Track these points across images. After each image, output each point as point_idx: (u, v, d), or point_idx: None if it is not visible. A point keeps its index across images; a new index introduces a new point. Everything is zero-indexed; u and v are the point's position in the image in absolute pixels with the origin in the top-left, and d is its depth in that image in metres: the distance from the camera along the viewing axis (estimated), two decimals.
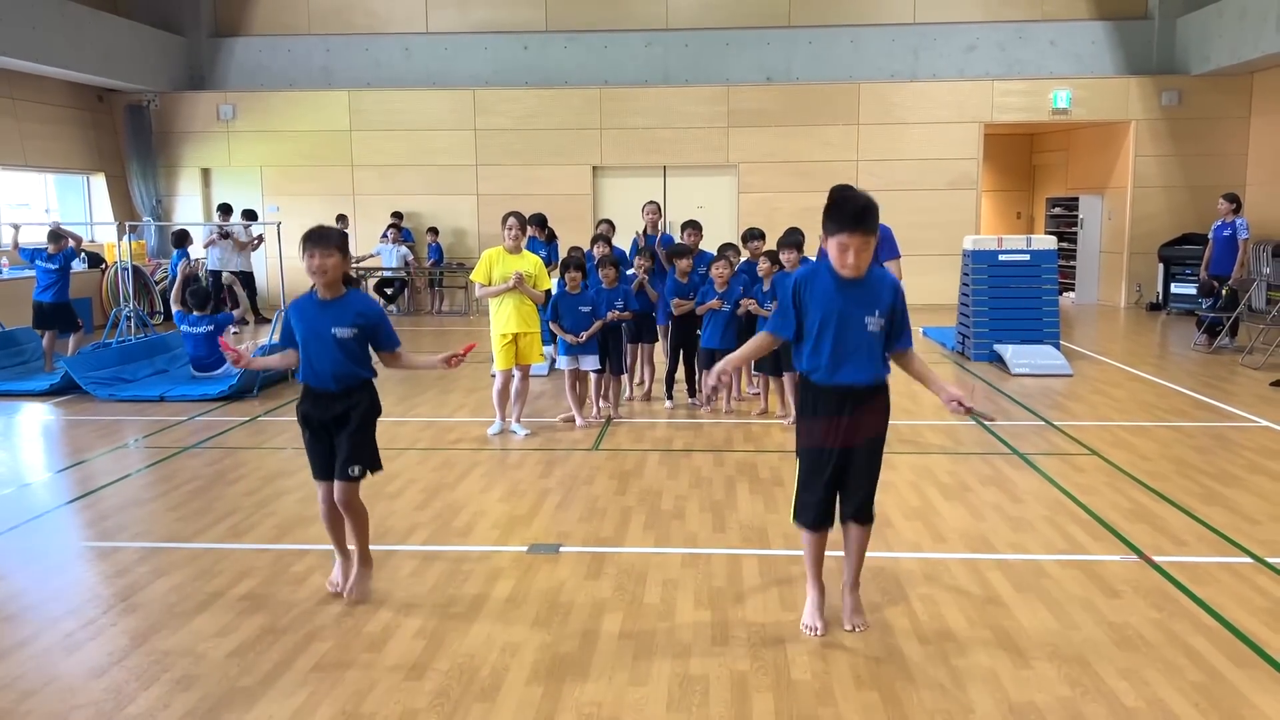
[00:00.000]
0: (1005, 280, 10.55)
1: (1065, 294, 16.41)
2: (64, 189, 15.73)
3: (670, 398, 8.36)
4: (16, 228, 11.30)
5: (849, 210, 3.67)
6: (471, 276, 7.58)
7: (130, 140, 15.96)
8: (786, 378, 7.46)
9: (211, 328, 8.97)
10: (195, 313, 9.09)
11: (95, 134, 15.77)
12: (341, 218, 15.63)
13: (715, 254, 8.15)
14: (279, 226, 11.90)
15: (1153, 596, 4.22)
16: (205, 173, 16.48)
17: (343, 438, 4.09)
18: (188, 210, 16.36)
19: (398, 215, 15.79)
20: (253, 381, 8.79)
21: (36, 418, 8.28)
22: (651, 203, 9.66)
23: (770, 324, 3.97)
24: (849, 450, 3.81)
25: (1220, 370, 9.84)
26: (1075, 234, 16.98)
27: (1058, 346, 10.26)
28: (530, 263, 7.13)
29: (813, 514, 3.87)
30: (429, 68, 16.27)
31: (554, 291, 7.72)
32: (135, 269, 13.46)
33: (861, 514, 3.87)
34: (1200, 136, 15.24)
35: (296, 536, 5.09)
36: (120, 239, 12.43)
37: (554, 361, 8.92)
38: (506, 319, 7.11)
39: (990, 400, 8.51)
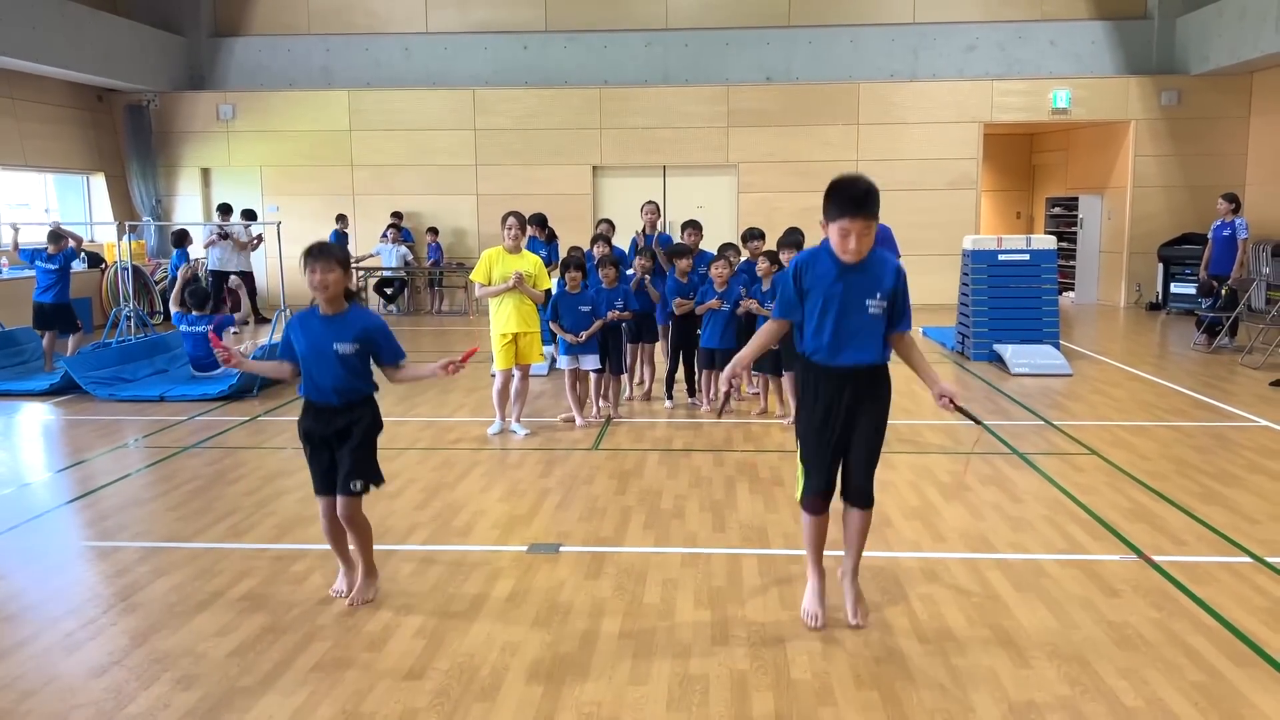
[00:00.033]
0: (1005, 280, 10.56)
1: (1065, 294, 16.42)
2: (64, 189, 15.73)
3: (670, 398, 8.36)
4: (16, 228, 11.30)
5: (850, 195, 3.66)
6: (471, 276, 7.58)
7: (130, 140, 15.97)
8: (786, 377, 7.46)
9: (211, 328, 8.97)
10: (195, 312, 9.09)
11: (95, 134, 15.77)
12: (341, 218, 15.66)
13: (715, 254, 8.15)
14: (279, 226, 11.90)
15: (1152, 596, 4.22)
16: (205, 173, 16.48)
17: (344, 453, 4.08)
18: (187, 210, 16.36)
19: (397, 215, 15.79)
20: (253, 381, 8.79)
21: (36, 418, 8.28)
22: (650, 203, 9.66)
23: (775, 310, 3.98)
24: (850, 433, 3.82)
25: (1220, 370, 9.85)
26: (1075, 234, 16.99)
27: (1057, 346, 10.26)
28: (530, 262, 7.13)
29: (816, 498, 3.88)
30: (429, 68, 16.28)
31: (554, 291, 7.72)
32: (135, 269, 13.46)
33: (862, 498, 3.87)
34: (1200, 136, 15.25)
35: (296, 536, 5.10)
36: (120, 239, 12.43)
37: (554, 361, 8.93)
38: (506, 319, 7.11)
39: (991, 400, 8.52)
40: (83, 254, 12.30)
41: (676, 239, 9.05)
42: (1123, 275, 15.89)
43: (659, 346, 8.71)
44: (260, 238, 14.55)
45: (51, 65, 13.23)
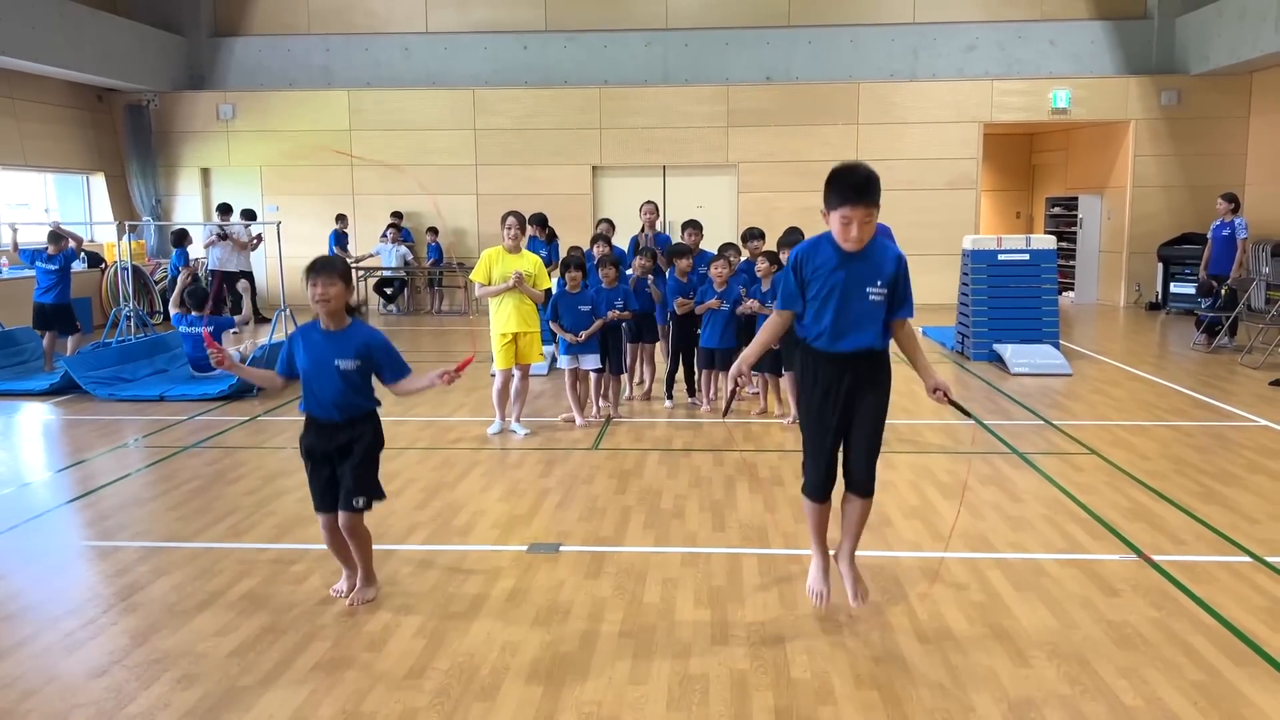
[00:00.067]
0: (1004, 280, 10.56)
1: (1064, 293, 16.42)
2: (63, 189, 15.73)
3: (670, 397, 8.37)
4: (15, 228, 11.29)
5: (851, 182, 3.65)
6: (471, 276, 7.58)
7: (130, 140, 15.97)
8: (786, 377, 7.47)
9: (210, 329, 8.96)
10: (194, 313, 9.09)
11: (95, 134, 15.78)
12: (341, 217, 15.66)
13: (715, 254, 8.15)
14: (278, 226, 11.91)
15: (1152, 595, 4.22)
16: (205, 172, 16.48)
17: (346, 469, 4.07)
18: (187, 210, 16.36)
19: (397, 215, 15.79)
20: (252, 382, 8.78)
21: (36, 417, 8.28)
22: (649, 202, 9.65)
23: (778, 302, 3.98)
24: (850, 418, 3.82)
25: (1219, 370, 9.85)
26: (1074, 234, 16.99)
27: (1057, 346, 10.26)
28: (530, 262, 7.13)
29: (816, 485, 3.89)
30: (428, 67, 16.28)
31: (554, 291, 7.72)
32: (135, 269, 13.46)
33: (863, 486, 3.88)
34: (1199, 136, 15.25)
35: (296, 536, 5.10)
36: (120, 239, 12.44)
37: (554, 361, 8.93)
38: (506, 318, 7.11)
39: (991, 400, 8.52)
40: (82, 254, 12.30)
41: (676, 239, 9.06)
42: (1122, 275, 15.89)
43: (659, 346, 8.71)
44: (260, 237, 14.56)
45: (51, 65, 13.23)
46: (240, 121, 16.16)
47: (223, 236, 13.96)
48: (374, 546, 4.38)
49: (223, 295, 13.58)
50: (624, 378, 8.35)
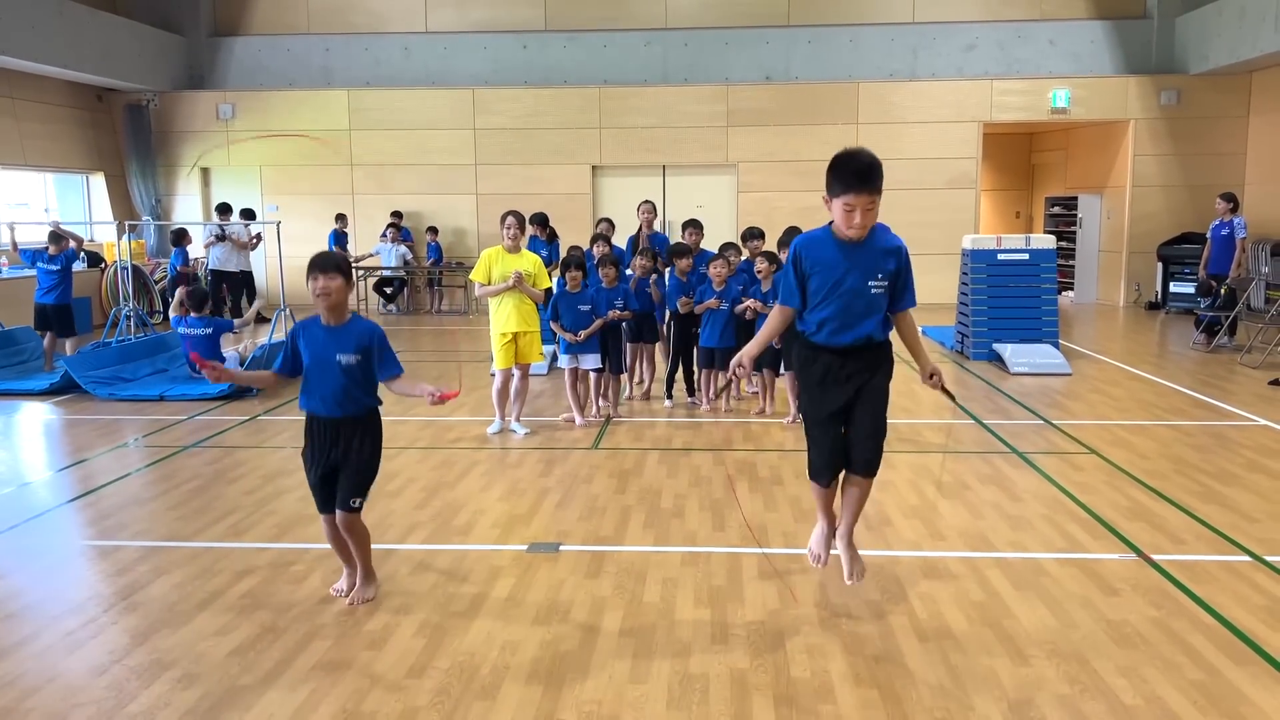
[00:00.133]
0: (1004, 279, 10.57)
1: (1064, 293, 16.42)
2: (63, 188, 15.74)
3: (670, 397, 8.37)
4: (12, 227, 11.28)
5: (853, 169, 3.61)
6: (471, 276, 7.58)
7: (129, 140, 15.97)
8: (786, 377, 7.47)
9: (210, 330, 8.97)
10: (193, 314, 9.08)
11: (94, 133, 15.78)
12: (341, 217, 15.66)
13: (715, 253, 8.16)
14: (278, 226, 11.91)
15: (1151, 595, 4.22)
16: (204, 172, 16.48)
17: (347, 471, 4.07)
18: (187, 210, 16.36)
19: (397, 215, 15.79)
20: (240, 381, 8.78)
21: (36, 417, 8.28)
22: (646, 202, 9.64)
23: (780, 296, 3.98)
24: (853, 403, 3.82)
25: (1219, 369, 9.85)
26: (1074, 233, 16.99)
27: (1057, 345, 10.27)
28: (529, 261, 7.13)
29: (823, 472, 3.90)
30: (428, 67, 16.28)
31: (554, 291, 7.73)
32: (135, 268, 13.46)
33: (867, 467, 3.87)
34: (1199, 136, 15.26)
35: (296, 535, 5.10)
36: (120, 238, 12.44)
37: (554, 360, 8.93)
38: (506, 318, 7.11)
39: (990, 399, 8.52)
40: (82, 254, 12.31)
41: (676, 239, 9.06)
42: (1122, 275, 15.89)
43: (659, 346, 8.71)
44: (259, 237, 14.56)
45: (51, 65, 13.23)
46: (240, 121, 16.16)
47: (221, 237, 13.95)
48: (374, 546, 4.38)
49: (221, 296, 13.60)
50: (624, 377, 8.35)
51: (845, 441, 3.91)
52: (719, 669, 3.59)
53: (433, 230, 15.88)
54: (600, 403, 7.87)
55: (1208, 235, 11.87)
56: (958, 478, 6.06)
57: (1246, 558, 4.67)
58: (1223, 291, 11.22)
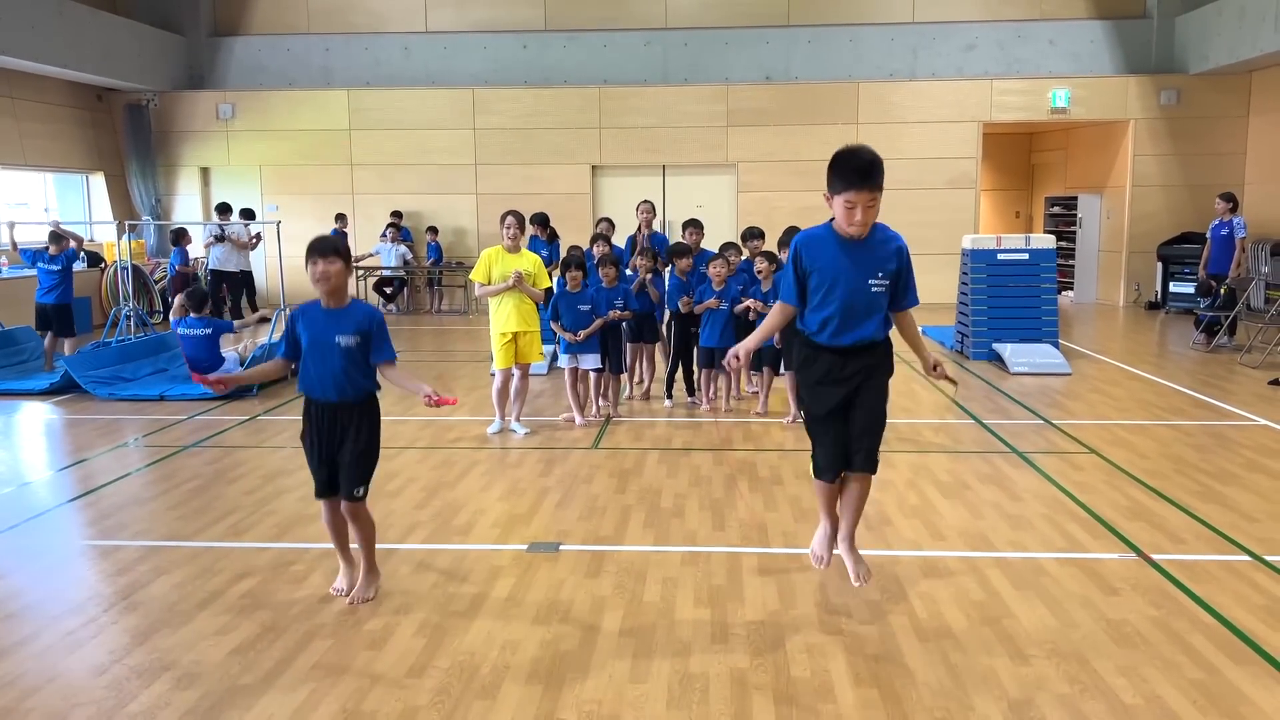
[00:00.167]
0: (1004, 279, 10.57)
1: (1064, 293, 16.42)
2: (63, 188, 15.74)
3: (670, 397, 8.37)
4: (11, 226, 11.28)
5: (855, 166, 3.61)
6: (471, 276, 7.58)
7: (129, 139, 15.97)
8: (786, 376, 7.47)
9: (209, 330, 8.96)
10: (192, 315, 9.07)
11: (94, 133, 15.78)
12: (341, 217, 15.65)
13: (715, 253, 8.16)
14: (278, 226, 11.91)
15: (1151, 594, 4.23)
16: (204, 172, 16.49)
17: (347, 457, 4.07)
18: (187, 209, 16.36)
19: (397, 214, 15.79)
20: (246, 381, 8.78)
21: (36, 417, 8.29)
22: (645, 201, 9.64)
23: (781, 293, 3.98)
24: (853, 404, 3.82)
25: (1218, 369, 9.85)
26: (1074, 233, 16.99)
27: (1056, 345, 10.27)
28: (529, 261, 7.13)
29: (827, 470, 3.90)
30: (428, 67, 16.28)
31: (554, 290, 7.73)
32: (135, 268, 13.46)
33: (866, 463, 3.87)
34: (1199, 135, 15.26)
35: (296, 535, 5.10)
36: (119, 238, 12.44)
37: (554, 360, 8.93)
38: (506, 318, 7.11)
39: (990, 399, 8.52)
40: (82, 254, 12.30)
41: (676, 239, 9.06)
42: (1122, 274, 15.90)
43: (659, 346, 8.71)
44: (259, 236, 14.56)
45: (51, 65, 13.23)
46: (239, 121, 16.16)
47: (221, 238, 13.95)
48: (375, 546, 4.38)
49: (221, 296, 13.60)
50: (624, 377, 8.35)
51: (846, 437, 3.91)
52: (719, 668, 3.59)
53: (433, 230, 15.88)
54: (600, 402, 7.87)
55: (1207, 235, 11.87)
56: (957, 478, 6.06)
57: (1246, 557, 4.67)
58: (1222, 291, 11.23)
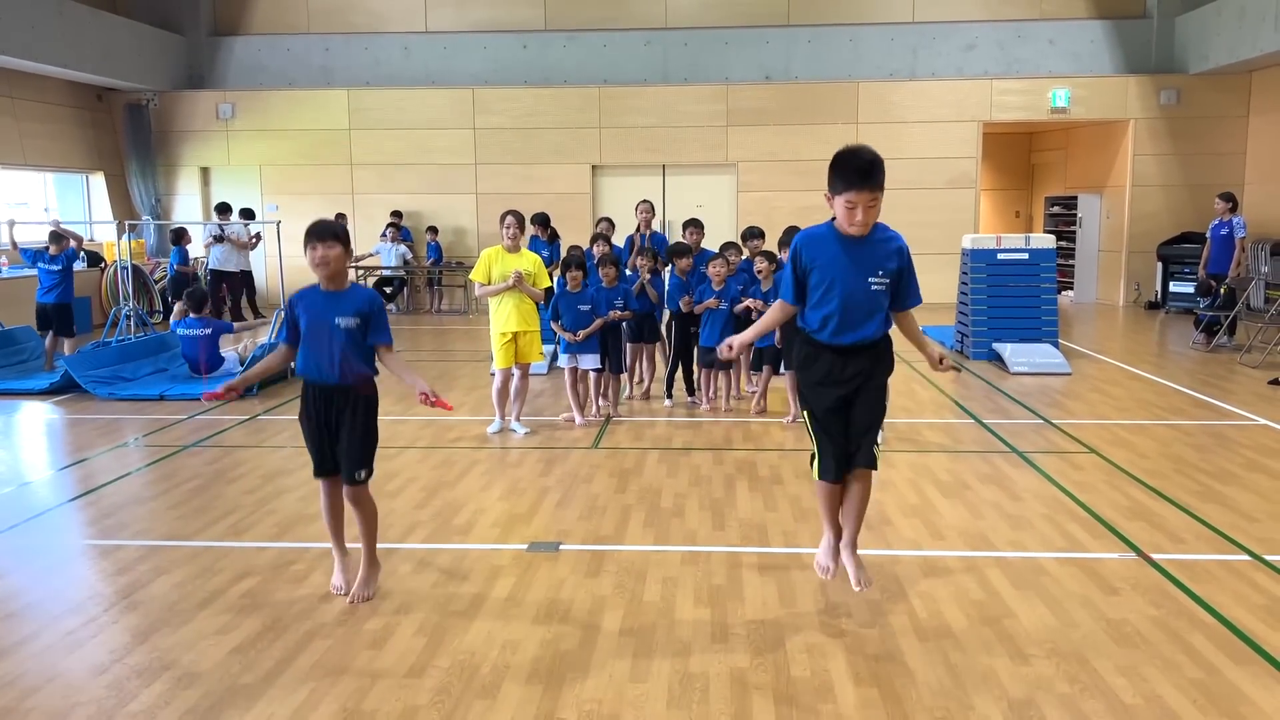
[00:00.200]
0: (1004, 279, 10.57)
1: (1064, 293, 16.43)
2: (63, 188, 15.74)
3: (670, 397, 8.37)
4: (11, 224, 11.27)
5: (856, 165, 3.61)
6: (471, 276, 7.58)
7: (129, 139, 15.97)
8: (787, 376, 7.47)
9: (209, 331, 8.96)
10: (192, 315, 9.08)
11: (94, 133, 15.78)
12: (340, 216, 15.64)
13: (715, 253, 8.16)
14: (278, 225, 11.91)
15: (1151, 594, 4.23)
16: (204, 172, 16.49)
17: (346, 440, 4.08)
18: (187, 209, 16.37)
19: (397, 214, 15.80)
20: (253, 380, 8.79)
21: (36, 416, 8.29)
22: (645, 201, 9.64)
23: (781, 291, 3.99)
24: (853, 403, 3.82)
25: (1218, 369, 9.86)
26: (1074, 233, 17.00)
27: (1056, 345, 10.27)
28: (529, 261, 7.14)
29: (830, 469, 3.90)
30: (428, 67, 16.28)
31: (554, 290, 7.73)
32: (134, 268, 13.46)
33: (865, 459, 3.87)
34: (1199, 135, 15.27)
35: (297, 535, 5.10)
36: (119, 238, 12.44)
37: (554, 360, 8.93)
38: (506, 317, 7.12)
39: (990, 399, 8.52)
40: (82, 253, 12.31)
41: (676, 238, 9.06)
42: (1121, 274, 15.90)
43: (659, 346, 8.71)
44: (259, 236, 14.56)
45: (51, 65, 13.23)
46: (239, 121, 16.17)
47: (220, 238, 13.94)
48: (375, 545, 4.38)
49: (221, 296, 13.59)
50: (624, 377, 8.35)
51: (847, 436, 3.92)
52: (719, 668, 3.59)
53: (433, 230, 15.88)
54: (600, 402, 7.87)
55: (1207, 235, 11.87)
56: (957, 477, 6.06)
57: (1246, 557, 4.67)
58: (1222, 291, 11.23)
